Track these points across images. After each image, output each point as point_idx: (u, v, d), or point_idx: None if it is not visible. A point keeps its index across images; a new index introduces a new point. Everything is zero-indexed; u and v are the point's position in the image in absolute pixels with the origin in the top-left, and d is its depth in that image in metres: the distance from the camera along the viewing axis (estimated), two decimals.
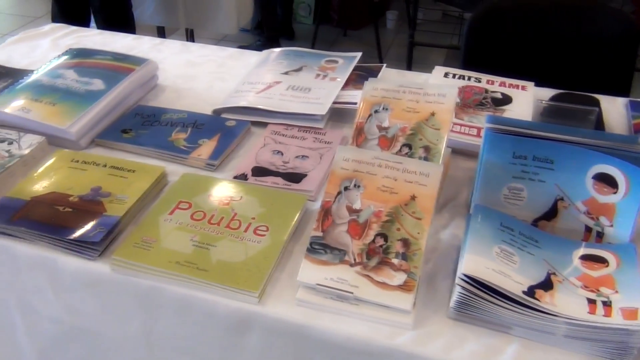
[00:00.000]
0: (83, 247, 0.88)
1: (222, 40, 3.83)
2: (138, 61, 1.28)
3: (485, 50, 1.65)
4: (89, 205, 0.93)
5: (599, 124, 1.08)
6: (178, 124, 1.16)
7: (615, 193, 0.83)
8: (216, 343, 0.87)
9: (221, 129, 1.16)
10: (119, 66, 1.25)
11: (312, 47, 1.48)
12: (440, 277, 0.86)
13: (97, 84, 1.19)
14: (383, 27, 4.05)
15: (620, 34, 1.54)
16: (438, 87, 1.03)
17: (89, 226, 0.89)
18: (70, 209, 0.92)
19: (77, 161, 1.03)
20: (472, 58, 1.66)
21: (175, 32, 3.41)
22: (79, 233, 0.88)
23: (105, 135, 1.14)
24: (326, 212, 0.87)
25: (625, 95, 1.38)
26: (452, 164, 1.08)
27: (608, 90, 1.31)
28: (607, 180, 0.83)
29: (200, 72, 1.42)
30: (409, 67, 3.10)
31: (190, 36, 3.28)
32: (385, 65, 1.38)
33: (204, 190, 0.98)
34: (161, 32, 3.13)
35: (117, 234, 0.92)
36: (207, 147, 1.10)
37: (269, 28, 3.66)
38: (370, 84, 1.07)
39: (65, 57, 1.29)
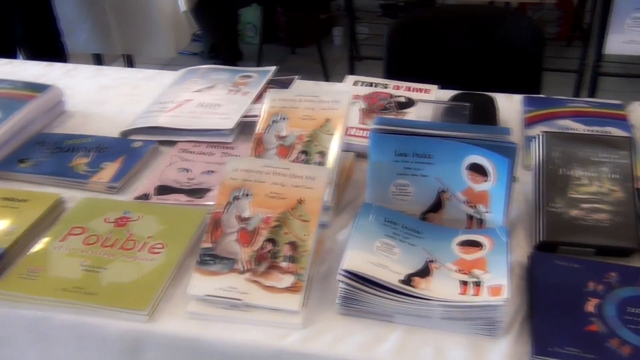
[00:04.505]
0: None
1: (167, 65, 3.88)
2: (40, 88, 1.31)
3: (405, 59, 1.75)
4: None
5: (486, 118, 1.18)
6: (81, 149, 1.20)
7: (486, 181, 0.90)
8: None
9: (126, 151, 1.20)
10: (19, 94, 1.28)
11: (258, 66, 1.53)
12: (334, 276, 0.90)
13: None
14: (331, 43, 4.16)
15: (528, 38, 1.68)
16: (332, 93, 1.09)
17: None
18: None
19: None
20: (393, 67, 1.76)
21: (117, 60, 3.45)
22: None
23: (0, 166, 1.16)
24: (216, 223, 0.91)
25: (537, 93, 1.47)
26: (356, 167, 1.14)
27: (522, 90, 1.40)
28: (478, 170, 0.90)
29: (112, 96, 1.46)
30: None
31: (129, 63, 3.33)
32: (298, 77, 1.44)
33: (101, 214, 1.01)
34: (98, 60, 3.17)
35: (5, 267, 0.93)
36: (109, 170, 1.14)
37: (223, 51, 3.75)
38: (270, 95, 1.13)
39: None
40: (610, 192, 0.94)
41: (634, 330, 0.77)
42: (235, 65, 3.63)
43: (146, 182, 1.14)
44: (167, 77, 1.54)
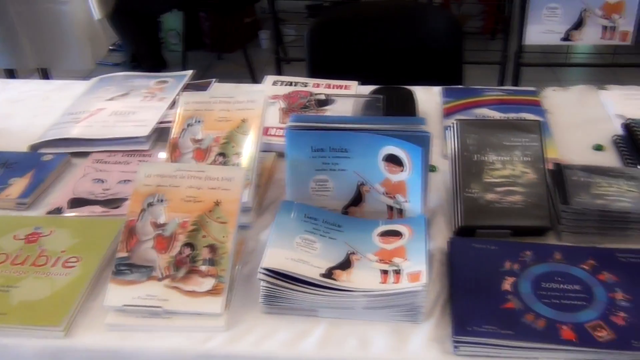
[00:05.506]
0: None
1: (87, 77, 3.78)
2: None
3: (327, 58, 1.79)
4: None
5: (405, 110, 1.22)
6: None
7: (403, 171, 0.93)
8: None
9: (36, 165, 1.17)
10: None
11: None
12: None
13: None
14: (258, 47, 4.17)
15: (448, 32, 1.75)
16: (247, 93, 1.11)
17: None
18: None
19: None
20: (316, 66, 1.79)
21: (32, 75, 3.33)
22: None
23: None
24: (130, 231, 0.91)
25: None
26: (278, 167, 1.16)
27: (444, 83, 1.45)
28: (394, 160, 0.93)
29: (19, 109, 1.43)
30: None
31: (45, 78, 3.23)
32: (215, 80, 1.45)
33: (10, 231, 0.99)
34: (11, 76, 3.06)
35: None
36: (17, 186, 1.11)
37: (146, 59, 3.69)
38: (183, 99, 1.13)
39: None
40: (523, 174, 1.00)
41: (547, 304, 0.81)
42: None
43: (58, 195, 1.12)
44: (79, 87, 1.51)
